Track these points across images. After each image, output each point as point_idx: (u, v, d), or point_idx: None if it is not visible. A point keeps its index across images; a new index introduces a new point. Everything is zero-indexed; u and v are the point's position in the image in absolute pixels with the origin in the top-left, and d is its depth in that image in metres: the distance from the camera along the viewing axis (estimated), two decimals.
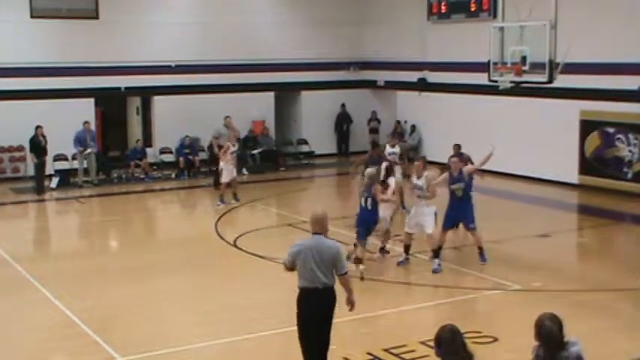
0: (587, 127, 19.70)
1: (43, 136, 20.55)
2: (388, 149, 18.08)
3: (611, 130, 19.19)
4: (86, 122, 21.76)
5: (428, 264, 13.23)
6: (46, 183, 20.83)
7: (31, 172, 21.91)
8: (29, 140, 20.65)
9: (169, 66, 23.89)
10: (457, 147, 17.07)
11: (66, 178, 21.60)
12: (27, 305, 11.57)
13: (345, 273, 8.07)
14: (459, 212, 13.14)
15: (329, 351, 8.54)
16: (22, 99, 21.88)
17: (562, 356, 5.54)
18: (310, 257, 7.89)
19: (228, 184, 18.46)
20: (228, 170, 18.36)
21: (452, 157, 13.86)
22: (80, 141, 21.47)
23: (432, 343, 9.15)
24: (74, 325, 10.50)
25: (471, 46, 21.52)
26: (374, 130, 26.76)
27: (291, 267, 8.12)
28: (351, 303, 8.29)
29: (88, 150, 21.44)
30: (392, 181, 13.75)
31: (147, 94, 24.37)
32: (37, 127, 20.51)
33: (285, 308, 11.21)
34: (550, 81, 15.43)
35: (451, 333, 5.59)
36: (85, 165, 21.65)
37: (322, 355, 8.33)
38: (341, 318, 10.50)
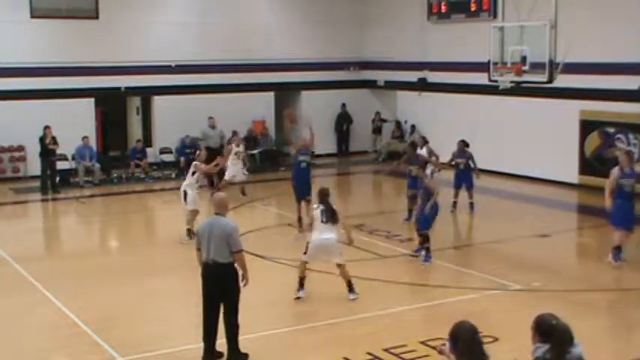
0: (587, 127, 19.70)
1: (53, 137, 20.51)
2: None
3: (611, 130, 19.20)
4: (85, 137, 21.84)
5: (428, 264, 13.24)
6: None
7: (31, 172, 21.95)
8: (38, 140, 20.55)
9: (169, 66, 23.88)
10: (462, 143, 17.29)
11: (66, 178, 21.60)
12: (27, 305, 11.57)
13: (239, 251, 8.81)
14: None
15: (237, 335, 9.00)
16: (22, 99, 21.87)
17: (565, 357, 5.52)
18: (207, 234, 8.80)
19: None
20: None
21: (620, 151, 14.00)
22: (81, 156, 21.71)
23: (432, 343, 9.21)
24: (74, 325, 10.49)
25: (471, 46, 21.52)
26: (377, 130, 26.79)
27: (197, 246, 8.99)
28: (245, 279, 8.94)
29: (89, 163, 21.73)
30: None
31: (147, 94, 24.37)
32: (46, 128, 20.48)
33: (285, 308, 11.25)
34: (550, 81, 15.45)
35: (470, 331, 5.46)
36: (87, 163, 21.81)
37: (231, 337, 8.95)
38: (341, 318, 10.56)
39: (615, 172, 12.96)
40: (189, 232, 14.69)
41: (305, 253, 11.23)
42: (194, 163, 15.52)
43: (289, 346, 9.79)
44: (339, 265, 11.28)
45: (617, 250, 13.01)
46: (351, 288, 11.26)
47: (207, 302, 8.95)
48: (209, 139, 22.26)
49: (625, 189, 12.83)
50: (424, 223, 13.28)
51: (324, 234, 11.05)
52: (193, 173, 15.15)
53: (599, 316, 11.13)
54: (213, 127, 22.59)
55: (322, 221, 11.08)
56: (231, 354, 9.04)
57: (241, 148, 19.88)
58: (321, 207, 11.20)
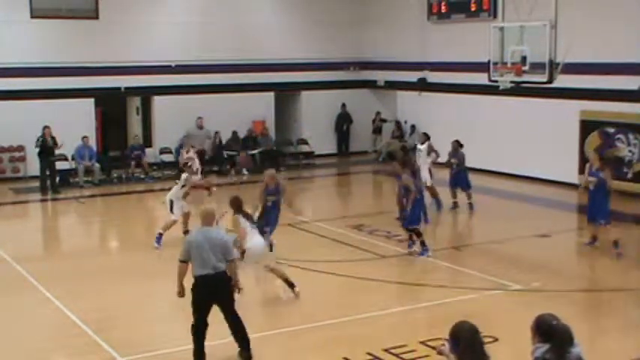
0: (587, 127, 19.69)
1: (52, 137, 20.52)
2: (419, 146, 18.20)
3: (611, 130, 19.19)
4: (85, 137, 21.85)
5: (428, 264, 13.25)
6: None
7: (30, 172, 21.94)
8: (37, 140, 20.53)
9: (169, 66, 23.89)
10: (456, 143, 17.55)
11: (66, 178, 21.60)
12: (27, 305, 11.57)
13: (233, 260, 8.98)
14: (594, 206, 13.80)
15: (247, 334, 9.09)
16: (22, 99, 21.85)
17: (565, 357, 5.51)
18: (204, 245, 8.76)
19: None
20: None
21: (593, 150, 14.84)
22: (81, 156, 21.76)
23: (432, 343, 9.21)
24: (74, 325, 10.50)
25: (471, 46, 21.51)
26: (377, 130, 26.79)
27: (184, 259, 8.94)
28: (237, 287, 9.29)
29: (89, 163, 21.74)
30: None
31: (147, 94, 24.37)
32: (45, 127, 20.47)
33: (285, 308, 11.25)
34: (550, 81, 15.45)
35: (471, 331, 5.45)
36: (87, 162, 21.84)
37: (241, 335, 9.05)
38: (341, 318, 10.55)
39: (586, 168, 14.13)
40: (161, 236, 14.62)
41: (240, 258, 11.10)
42: (185, 176, 15.05)
43: (289, 346, 9.80)
44: (272, 268, 11.43)
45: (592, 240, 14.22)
46: (290, 283, 11.37)
47: (201, 308, 8.88)
48: (193, 138, 22.23)
49: (589, 186, 13.85)
50: (412, 219, 13.44)
51: (259, 237, 11.31)
52: (183, 186, 14.90)
53: (599, 316, 11.13)
54: (200, 127, 22.60)
55: (251, 226, 11.24)
56: (246, 353, 9.06)
57: (192, 154, 19.15)
58: (241, 215, 11.28)
